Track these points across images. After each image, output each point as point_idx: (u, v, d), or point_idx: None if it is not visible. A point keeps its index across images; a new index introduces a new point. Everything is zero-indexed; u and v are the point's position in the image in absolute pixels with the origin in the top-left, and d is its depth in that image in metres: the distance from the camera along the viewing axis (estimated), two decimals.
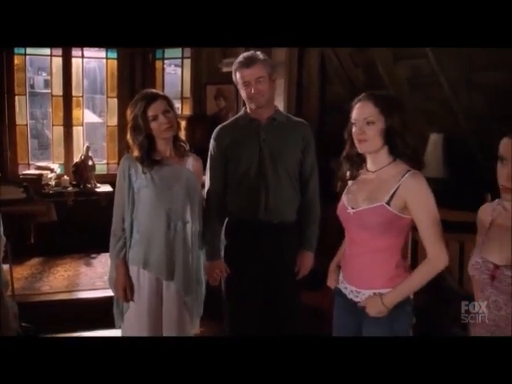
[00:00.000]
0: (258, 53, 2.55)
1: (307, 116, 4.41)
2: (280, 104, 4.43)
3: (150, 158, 2.46)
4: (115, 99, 5.85)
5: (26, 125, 5.64)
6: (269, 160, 2.57)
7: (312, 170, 2.65)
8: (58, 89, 5.70)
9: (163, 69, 6.03)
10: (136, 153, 2.47)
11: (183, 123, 5.17)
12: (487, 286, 1.62)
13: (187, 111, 5.79)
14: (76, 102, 5.80)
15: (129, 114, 2.47)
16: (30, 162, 5.66)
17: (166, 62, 6.10)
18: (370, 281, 1.99)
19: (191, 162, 2.59)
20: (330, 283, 2.23)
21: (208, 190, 2.66)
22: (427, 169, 3.63)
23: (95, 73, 7.01)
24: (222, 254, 2.69)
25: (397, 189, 1.91)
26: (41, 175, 5.27)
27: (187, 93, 5.80)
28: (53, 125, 5.79)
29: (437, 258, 1.88)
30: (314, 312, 2.38)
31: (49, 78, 6.37)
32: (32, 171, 5.40)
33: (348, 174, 2.12)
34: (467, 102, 3.39)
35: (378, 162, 2.00)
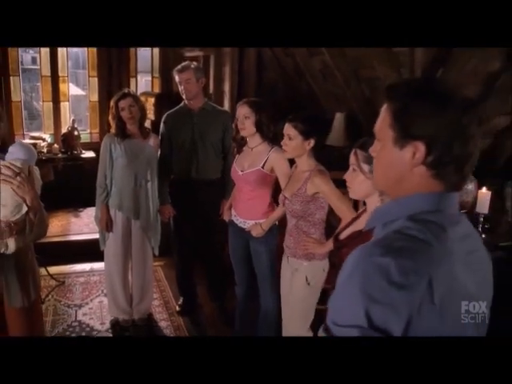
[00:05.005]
0: (193, 63, 3.61)
1: (247, 97, 5.25)
2: (226, 87, 5.42)
3: (122, 133, 3.50)
4: (96, 78, 6.61)
5: (20, 101, 6.38)
6: (198, 137, 3.63)
7: (230, 145, 3.66)
8: (46, 70, 6.42)
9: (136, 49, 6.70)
10: (113, 130, 3.53)
11: (153, 100, 6.06)
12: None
13: (157, 88, 6.66)
14: (62, 81, 6.54)
15: (111, 104, 3.51)
16: (25, 133, 6.45)
17: None
18: (252, 215, 3.10)
19: (152, 140, 3.63)
20: (226, 217, 3.34)
21: (160, 157, 3.68)
22: (332, 139, 4.75)
23: (78, 54, 7.80)
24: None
25: (267, 159, 3.01)
26: (35, 144, 5.86)
27: (157, 72, 6.67)
28: (43, 101, 6.56)
29: None
30: None
31: (36, 55, 7.06)
32: (27, 141, 6.03)
33: (236, 150, 3.22)
34: (358, 91, 4.46)
35: (254, 142, 3.08)
